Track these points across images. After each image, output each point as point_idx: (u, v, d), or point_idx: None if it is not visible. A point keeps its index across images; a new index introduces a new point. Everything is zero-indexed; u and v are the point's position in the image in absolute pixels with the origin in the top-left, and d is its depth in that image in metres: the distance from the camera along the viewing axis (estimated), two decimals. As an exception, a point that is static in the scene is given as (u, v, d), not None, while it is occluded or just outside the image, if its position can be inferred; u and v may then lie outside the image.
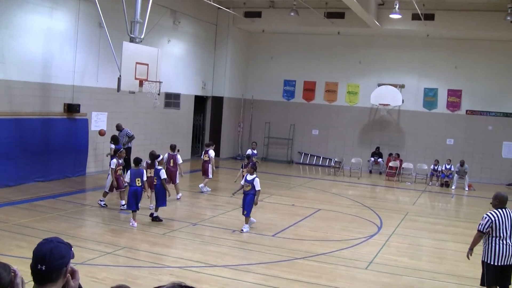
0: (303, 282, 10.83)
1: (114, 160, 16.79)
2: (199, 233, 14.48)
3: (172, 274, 10.99)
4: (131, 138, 21.50)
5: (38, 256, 3.53)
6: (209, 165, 20.34)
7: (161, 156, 16.78)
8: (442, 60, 29.44)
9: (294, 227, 16.03)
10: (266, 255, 12.85)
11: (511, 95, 28.50)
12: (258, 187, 14.84)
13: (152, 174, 16.08)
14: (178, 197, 18.70)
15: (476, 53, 28.83)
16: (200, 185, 20.62)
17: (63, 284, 3.62)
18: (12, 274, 3.65)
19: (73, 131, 21.16)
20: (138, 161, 15.31)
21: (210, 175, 20.46)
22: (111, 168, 16.69)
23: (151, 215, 15.46)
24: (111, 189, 16.95)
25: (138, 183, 14.77)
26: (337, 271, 11.85)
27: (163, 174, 15.49)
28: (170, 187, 16.37)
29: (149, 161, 16.65)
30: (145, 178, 15.11)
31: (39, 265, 3.50)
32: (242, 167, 19.57)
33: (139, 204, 14.97)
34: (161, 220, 15.32)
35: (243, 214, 15.06)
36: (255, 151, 22.63)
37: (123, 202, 16.45)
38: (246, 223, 15.01)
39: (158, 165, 15.98)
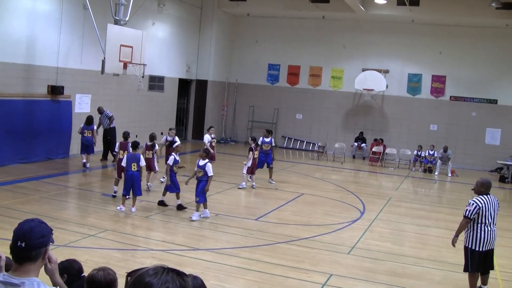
0: (285, 266, 10.88)
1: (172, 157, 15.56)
2: (182, 216, 14.46)
3: (155, 257, 11.00)
4: (110, 118, 21.82)
5: (19, 233, 3.51)
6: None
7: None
8: (427, 45, 29.49)
9: (277, 211, 16.07)
10: (249, 239, 12.88)
11: (495, 82, 28.65)
12: (210, 172, 14.20)
13: (151, 156, 16.31)
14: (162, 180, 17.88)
15: (461, 39, 28.92)
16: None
17: (42, 266, 3.62)
18: None
19: (56, 113, 21.03)
20: (136, 145, 14.95)
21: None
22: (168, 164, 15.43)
23: (179, 206, 15.00)
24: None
25: (134, 168, 14.35)
26: (320, 255, 11.90)
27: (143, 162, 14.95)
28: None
29: (149, 143, 16.82)
30: (143, 163, 14.70)
31: (18, 242, 3.47)
32: (252, 150, 19.10)
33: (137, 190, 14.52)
34: (185, 208, 14.98)
35: (196, 201, 14.34)
36: (267, 139, 20.39)
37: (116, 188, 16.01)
38: (197, 210, 14.30)
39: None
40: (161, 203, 15.25)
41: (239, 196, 17.64)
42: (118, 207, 14.38)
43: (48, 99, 20.63)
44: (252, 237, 12.99)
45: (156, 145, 17.60)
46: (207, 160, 14.40)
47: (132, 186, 14.32)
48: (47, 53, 20.31)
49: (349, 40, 31.01)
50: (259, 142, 19.86)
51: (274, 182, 20.16)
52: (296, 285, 9.92)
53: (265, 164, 20.00)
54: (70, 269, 5.31)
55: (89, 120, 20.34)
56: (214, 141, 19.73)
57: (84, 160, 20.19)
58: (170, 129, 19.21)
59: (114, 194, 15.91)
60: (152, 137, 16.93)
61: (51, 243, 3.66)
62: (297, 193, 18.86)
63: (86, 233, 12.15)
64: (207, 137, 19.44)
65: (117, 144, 17.07)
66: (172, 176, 14.95)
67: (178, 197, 15.13)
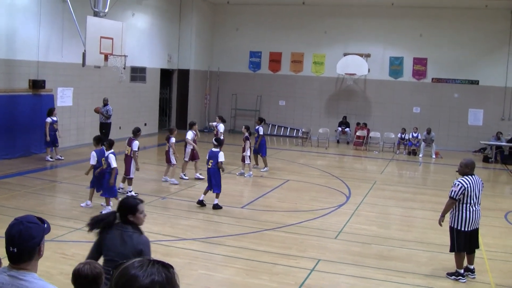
0: (273, 253, 10.91)
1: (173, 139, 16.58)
2: (168, 206, 14.47)
3: (143, 248, 10.98)
4: (107, 116, 22.35)
5: (9, 238, 3.60)
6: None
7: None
8: (408, 28, 29.56)
9: (262, 198, 16.10)
10: (236, 227, 12.90)
11: (476, 63, 28.79)
12: (221, 158, 14.38)
13: (128, 152, 15.19)
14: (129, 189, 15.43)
15: (441, 21, 29.00)
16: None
17: (38, 260, 3.72)
18: None
19: (38, 107, 20.86)
20: (110, 143, 13.89)
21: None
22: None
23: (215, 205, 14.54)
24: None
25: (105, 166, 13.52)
26: (307, 241, 11.95)
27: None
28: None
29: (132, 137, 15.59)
30: (114, 165, 13.46)
31: (10, 247, 3.58)
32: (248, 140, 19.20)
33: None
34: (220, 207, 14.53)
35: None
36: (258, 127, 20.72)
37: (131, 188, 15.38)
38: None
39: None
40: (200, 203, 14.63)
41: (225, 184, 17.58)
42: (83, 204, 13.71)
43: (30, 94, 20.48)
44: (239, 225, 13.02)
45: (172, 138, 17.18)
46: (218, 149, 14.51)
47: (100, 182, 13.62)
48: (27, 47, 20.12)
49: (329, 25, 31.00)
50: (261, 132, 20.35)
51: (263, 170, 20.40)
52: (284, 271, 9.95)
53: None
54: None
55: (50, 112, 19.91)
56: (197, 137, 18.85)
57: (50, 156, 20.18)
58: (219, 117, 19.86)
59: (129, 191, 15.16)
60: (136, 131, 15.73)
61: (47, 232, 3.78)
62: (282, 180, 18.90)
63: (73, 227, 12.10)
64: (190, 134, 18.22)
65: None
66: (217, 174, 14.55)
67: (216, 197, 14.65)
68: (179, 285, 2.33)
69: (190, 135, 18.21)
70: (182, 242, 11.43)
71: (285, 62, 32.26)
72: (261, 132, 20.40)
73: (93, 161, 13.49)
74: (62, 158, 20.20)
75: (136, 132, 15.58)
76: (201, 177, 17.96)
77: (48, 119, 19.65)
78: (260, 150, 20.37)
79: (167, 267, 2.25)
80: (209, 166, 14.42)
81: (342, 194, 17.10)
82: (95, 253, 6.18)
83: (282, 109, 32.39)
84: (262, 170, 20.25)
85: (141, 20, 27.60)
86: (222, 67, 33.30)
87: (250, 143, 19.18)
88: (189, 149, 18.10)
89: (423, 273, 10.12)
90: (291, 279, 9.62)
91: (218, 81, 33.51)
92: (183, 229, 12.55)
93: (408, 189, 18.72)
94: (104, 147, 13.78)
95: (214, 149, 14.51)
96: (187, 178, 17.98)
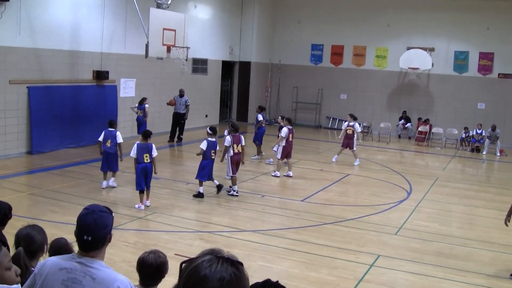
0: (332, 247, 10.87)
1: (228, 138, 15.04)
2: (228, 198, 14.54)
3: (203, 238, 11.11)
4: (187, 105, 23.33)
5: (83, 227, 3.69)
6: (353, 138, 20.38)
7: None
8: (474, 21, 28.79)
9: (323, 192, 16.03)
10: (295, 220, 12.90)
11: (544, 58, 27.94)
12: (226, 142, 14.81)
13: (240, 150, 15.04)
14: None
15: (509, 14, 28.06)
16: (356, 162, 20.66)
17: (106, 248, 3.86)
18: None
19: (102, 98, 21.30)
20: (147, 134, 13.32)
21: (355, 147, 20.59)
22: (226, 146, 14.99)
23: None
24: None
25: (147, 160, 12.99)
26: (367, 236, 11.85)
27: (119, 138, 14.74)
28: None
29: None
30: (155, 154, 13.11)
31: (85, 236, 3.67)
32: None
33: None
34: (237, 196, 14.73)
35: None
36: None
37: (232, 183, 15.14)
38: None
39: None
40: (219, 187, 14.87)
41: (284, 177, 17.62)
42: (137, 206, 13.05)
43: (94, 84, 20.90)
44: (298, 218, 13.00)
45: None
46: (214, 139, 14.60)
47: (145, 180, 13.04)
48: (91, 39, 20.53)
49: (393, 18, 30.53)
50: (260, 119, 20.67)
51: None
52: (343, 266, 9.90)
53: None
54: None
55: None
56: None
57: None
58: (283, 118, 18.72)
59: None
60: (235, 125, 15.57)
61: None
62: (342, 174, 18.78)
63: (135, 216, 12.33)
64: (285, 131, 17.62)
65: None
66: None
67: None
68: (249, 281, 2.32)
69: (285, 132, 17.71)
70: (242, 234, 11.48)
71: (347, 55, 31.97)
72: (259, 119, 20.55)
73: (133, 153, 13.04)
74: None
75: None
76: (291, 174, 17.87)
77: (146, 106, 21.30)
78: (256, 138, 20.49)
79: (235, 265, 2.24)
80: (213, 157, 14.45)
81: (403, 189, 16.88)
82: None
83: (343, 103, 32.13)
84: (252, 157, 20.18)
85: (203, 12, 27.78)
86: (284, 59, 33.24)
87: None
88: (280, 146, 17.77)
89: (485, 273, 9.88)
90: (350, 273, 9.57)
91: (279, 74, 33.47)
92: (242, 220, 12.62)
93: (471, 187, 18.33)
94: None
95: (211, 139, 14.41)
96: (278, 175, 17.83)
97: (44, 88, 18.74)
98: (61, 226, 10.69)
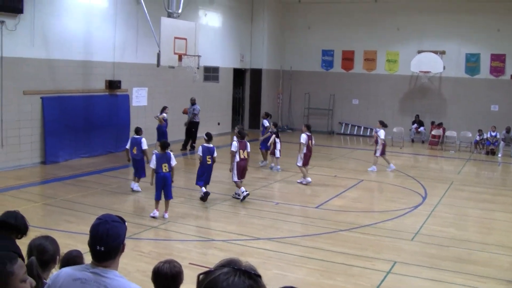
0: (348, 254, 10.77)
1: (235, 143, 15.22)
2: (242, 206, 14.49)
3: (216, 247, 11.05)
4: (194, 115, 23.18)
5: (96, 237, 3.67)
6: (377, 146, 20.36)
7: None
8: (484, 23, 28.58)
9: (337, 198, 15.93)
10: (310, 227, 12.83)
11: (557, 59, 27.73)
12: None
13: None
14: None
15: (520, 15, 28.00)
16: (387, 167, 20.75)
17: (119, 257, 3.83)
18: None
19: (114, 107, 21.37)
20: (165, 144, 13.39)
21: (379, 153, 20.46)
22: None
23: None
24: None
25: (166, 169, 13.01)
26: (383, 242, 11.75)
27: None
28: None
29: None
30: (174, 163, 13.16)
31: (98, 246, 3.65)
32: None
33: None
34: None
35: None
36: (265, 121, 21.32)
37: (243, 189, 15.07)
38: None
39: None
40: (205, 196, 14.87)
41: (294, 185, 17.54)
42: (152, 214, 12.98)
43: (106, 94, 20.98)
44: (313, 225, 12.93)
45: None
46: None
47: (164, 189, 13.07)
48: (104, 49, 20.63)
49: (402, 22, 30.41)
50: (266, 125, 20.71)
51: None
52: (360, 273, 9.79)
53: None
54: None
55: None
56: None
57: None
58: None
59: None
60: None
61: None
62: (356, 180, 18.67)
63: (149, 225, 12.30)
64: (304, 137, 17.63)
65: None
66: None
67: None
68: None
69: (304, 138, 17.73)
70: (256, 242, 11.41)
71: (358, 60, 31.89)
72: (266, 125, 20.57)
73: (152, 164, 13.10)
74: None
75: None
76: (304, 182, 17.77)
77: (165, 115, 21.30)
78: (263, 144, 20.33)
79: (253, 278, 2.20)
80: (209, 162, 14.66)
81: (418, 194, 16.75)
82: None
83: (355, 108, 32.03)
84: (261, 164, 20.35)
85: (213, 20, 27.83)
86: (295, 66, 33.20)
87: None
88: (302, 153, 17.71)
89: (506, 279, 9.74)
90: (367, 281, 9.46)
91: (290, 80, 33.42)
92: (257, 228, 12.55)
93: (487, 190, 18.15)
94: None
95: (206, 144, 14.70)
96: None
97: (57, 98, 18.85)
98: (76, 236, 10.69)
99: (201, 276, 2.25)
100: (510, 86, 28.52)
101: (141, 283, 4.31)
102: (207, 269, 2.25)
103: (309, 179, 17.49)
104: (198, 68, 19.81)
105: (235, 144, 15.04)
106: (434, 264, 10.38)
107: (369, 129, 31.10)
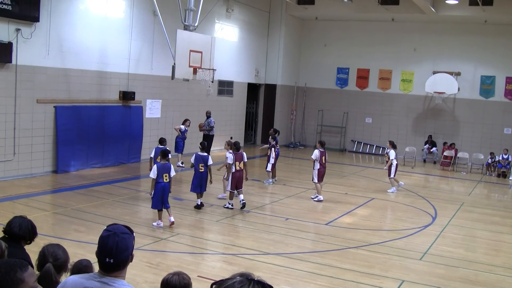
0: (356, 272, 10.77)
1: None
2: (252, 220, 14.52)
3: (225, 261, 11.08)
4: (210, 128, 23.43)
5: (105, 250, 3.67)
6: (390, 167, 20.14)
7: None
8: (500, 46, 28.60)
9: (347, 216, 15.94)
10: (319, 243, 12.83)
11: None
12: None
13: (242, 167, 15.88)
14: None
15: (536, 39, 27.96)
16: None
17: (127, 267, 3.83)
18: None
19: (128, 118, 21.47)
20: (166, 153, 13.65)
21: (392, 175, 20.25)
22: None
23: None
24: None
25: (166, 179, 13.25)
26: (391, 261, 11.73)
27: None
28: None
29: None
30: (173, 174, 13.51)
31: (107, 258, 3.65)
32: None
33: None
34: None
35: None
36: None
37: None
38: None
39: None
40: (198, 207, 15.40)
41: (308, 200, 17.56)
42: (155, 223, 13.20)
43: (120, 105, 21.09)
44: (322, 242, 12.93)
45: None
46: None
47: (162, 199, 13.24)
48: (119, 60, 20.78)
49: (419, 42, 30.47)
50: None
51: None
52: (367, 291, 9.79)
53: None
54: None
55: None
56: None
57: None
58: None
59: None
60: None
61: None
62: (367, 198, 18.66)
63: (158, 237, 12.34)
64: (316, 153, 17.89)
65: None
66: None
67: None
68: None
69: (315, 154, 17.88)
70: (266, 257, 11.42)
71: (372, 79, 31.92)
72: (272, 143, 20.40)
73: (153, 174, 13.26)
74: (183, 165, 21.36)
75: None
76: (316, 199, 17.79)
77: (182, 127, 21.83)
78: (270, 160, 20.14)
79: (266, 287, 2.24)
80: (202, 170, 15.14)
81: (428, 214, 16.71)
82: None
83: (369, 126, 32.03)
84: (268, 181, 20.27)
85: (229, 34, 27.98)
86: (309, 82, 33.28)
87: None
88: (315, 170, 17.84)
89: (513, 300, 9.73)
90: (374, 299, 9.46)
91: (304, 97, 33.49)
92: (266, 243, 12.55)
93: (497, 212, 18.07)
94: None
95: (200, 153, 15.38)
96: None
97: (71, 107, 18.97)
98: (85, 245, 10.73)
99: (214, 286, 2.28)
100: (524, 109, 28.45)
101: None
102: (221, 279, 2.28)
103: (321, 197, 17.50)
104: (212, 81, 19.89)
105: (231, 156, 15.59)
106: (442, 284, 10.36)
107: (381, 148, 31.07)
